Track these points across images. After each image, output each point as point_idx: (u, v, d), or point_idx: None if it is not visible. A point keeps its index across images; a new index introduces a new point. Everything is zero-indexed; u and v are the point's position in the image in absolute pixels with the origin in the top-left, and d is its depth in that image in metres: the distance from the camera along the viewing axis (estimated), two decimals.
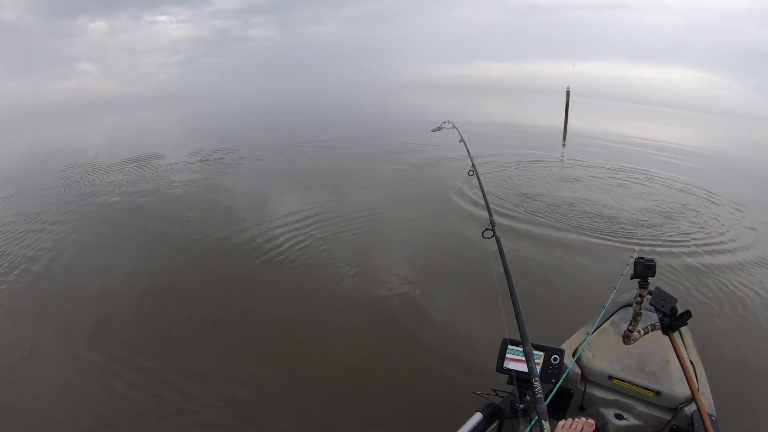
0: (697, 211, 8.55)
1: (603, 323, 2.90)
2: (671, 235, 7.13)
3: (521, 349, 1.99)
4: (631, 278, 2.17)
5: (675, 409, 2.34)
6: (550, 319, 4.34)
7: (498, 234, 2.54)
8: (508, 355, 2.07)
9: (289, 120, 29.52)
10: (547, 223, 7.58)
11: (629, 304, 3.06)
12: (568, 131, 19.97)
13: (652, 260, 2.09)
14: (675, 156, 15.83)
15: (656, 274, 2.09)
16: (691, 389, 1.99)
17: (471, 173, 4.15)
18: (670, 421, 2.33)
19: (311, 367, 4.07)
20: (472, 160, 4.33)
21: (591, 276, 5.63)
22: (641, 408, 2.42)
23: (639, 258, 2.12)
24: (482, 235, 2.61)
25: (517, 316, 1.90)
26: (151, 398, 3.70)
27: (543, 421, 1.46)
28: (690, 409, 2.28)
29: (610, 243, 6.77)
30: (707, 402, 2.29)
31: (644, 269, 2.10)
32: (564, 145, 17.63)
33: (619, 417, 2.45)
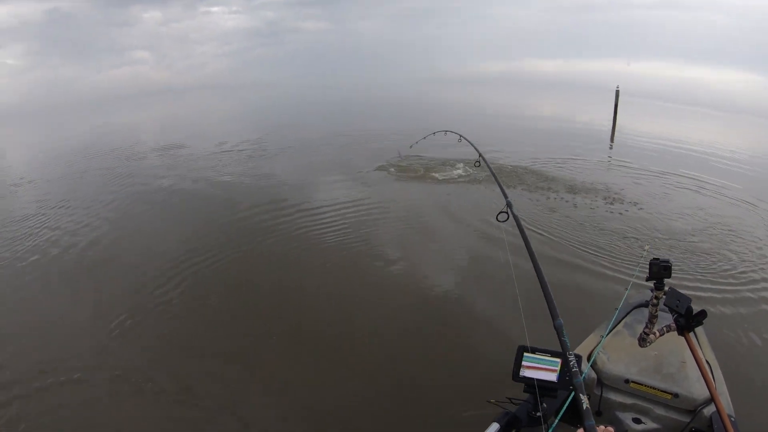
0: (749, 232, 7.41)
1: (616, 325, 2.86)
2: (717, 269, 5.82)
3: (537, 356, 2.01)
4: (647, 280, 2.13)
5: (693, 411, 2.31)
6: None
7: (515, 212, 2.50)
8: (524, 363, 2.04)
9: (338, 113, 30.12)
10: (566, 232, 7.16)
11: (641, 305, 3.03)
12: (616, 131, 19.22)
13: (668, 261, 2.05)
14: (730, 162, 14.75)
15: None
16: (709, 390, 1.99)
17: (478, 164, 4.17)
18: (689, 423, 2.29)
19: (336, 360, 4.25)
20: (478, 151, 4.26)
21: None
22: (659, 411, 2.39)
23: (654, 260, 2.07)
24: (496, 218, 2.59)
25: (546, 296, 1.89)
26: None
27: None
28: (709, 410, 2.24)
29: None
30: (726, 402, 2.25)
31: (660, 270, 2.06)
32: (611, 146, 16.99)
33: (636, 421, 2.41)
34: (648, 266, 2.10)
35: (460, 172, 11.21)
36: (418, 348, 4.38)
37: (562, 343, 1.69)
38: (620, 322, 2.91)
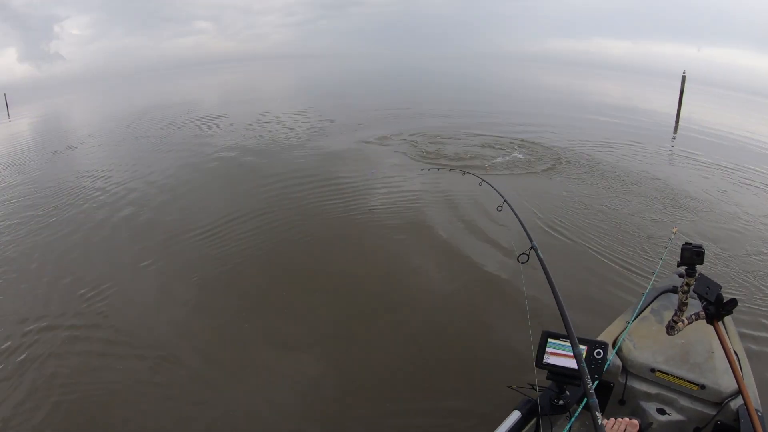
0: None
1: (643, 311, 2.78)
2: None
3: (562, 342, 1.98)
4: (678, 266, 2.03)
5: (720, 403, 2.23)
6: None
7: (540, 255, 2.36)
8: (548, 349, 2.00)
9: (402, 87, 30.62)
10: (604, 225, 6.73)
11: (669, 290, 2.92)
12: (681, 120, 18.04)
13: (701, 246, 1.93)
14: None
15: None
16: (738, 383, 1.91)
17: (500, 208, 3.70)
18: (714, 416, 2.22)
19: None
20: (502, 196, 3.81)
21: None
22: (684, 402, 2.32)
23: (686, 244, 1.96)
24: (518, 259, 2.47)
25: (560, 310, 1.81)
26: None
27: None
28: (735, 403, 2.16)
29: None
30: (753, 396, 2.17)
31: (692, 256, 1.94)
32: (675, 136, 15.99)
33: (661, 412, 2.35)
34: (680, 251, 1.99)
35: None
36: (446, 331, 4.39)
37: (580, 367, 1.50)
38: (647, 307, 2.82)
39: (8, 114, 32.84)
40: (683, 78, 18.09)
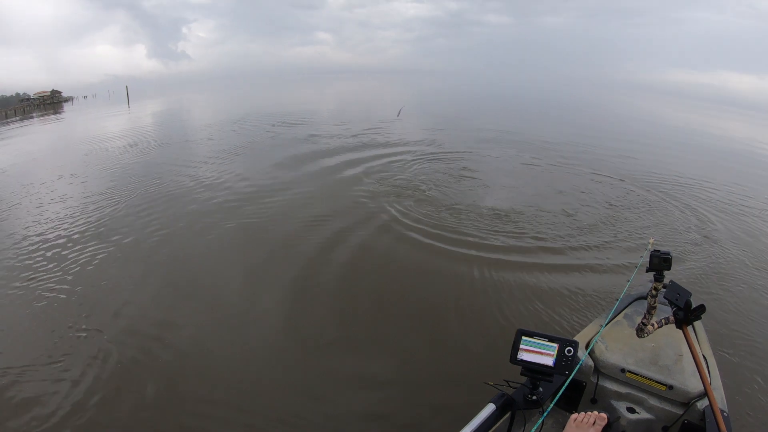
0: None
1: (616, 316, 2.88)
2: None
3: (536, 340, 2.07)
4: (647, 271, 2.17)
5: (687, 403, 2.33)
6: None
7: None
8: (522, 347, 2.09)
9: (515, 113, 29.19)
10: None
11: (643, 297, 3.03)
12: None
13: (668, 253, 2.09)
14: None
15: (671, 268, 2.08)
16: (704, 384, 2.01)
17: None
18: (681, 415, 2.32)
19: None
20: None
21: None
22: (653, 402, 2.42)
23: (655, 251, 2.12)
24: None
25: None
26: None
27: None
28: (702, 404, 2.25)
29: None
30: (719, 397, 2.26)
31: (660, 262, 2.11)
32: None
33: (630, 410, 2.45)
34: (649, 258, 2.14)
35: None
36: (424, 330, 4.55)
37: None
38: (620, 312, 2.93)
39: (128, 105, 38.15)
40: None
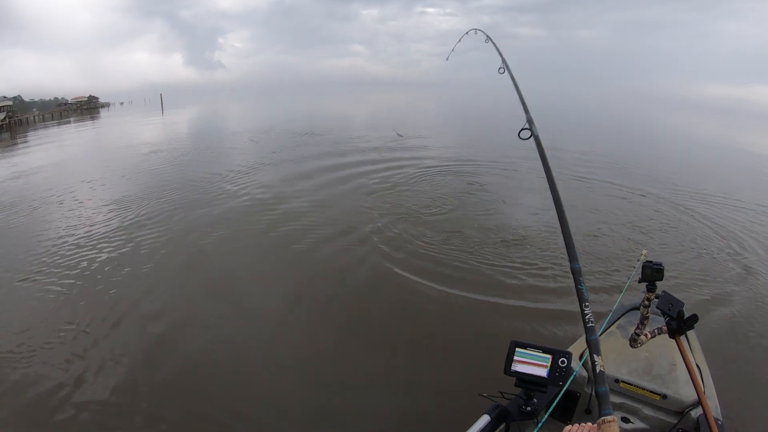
0: None
1: (610, 326, 2.87)
2: None
3: (530, 351, 2.09)
4: (639, 282, 2.17)
5: (681, 412, 2.32)
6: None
7: (536, 132, 2.21)
8: (516, 358, 2.10)
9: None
10: None
11: (636, 308, 3.00)
12: None
13: (660, 264, 2.08)
14: None
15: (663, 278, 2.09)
16: (697, 393, 2.01)
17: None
18: (676, 424, 2.31)
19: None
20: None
21: None
22: (648, 411, 2.41)
23: (647, 262, 2.11)
24: (518, 135, 2.22)
25: (564, 232, 1.74)
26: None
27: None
28: (696, 412, 2.24)
29: None
30: (713, 406, 2.25)
31: (652, 273, 2.10)
32: None
33: (625, 420, 2.44)
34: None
35: None
36: (415, 341, 4.54)
37: (578, 292, 1.58)
38: (614, 323, 2.92)
39: (162, 111, 39.87)
40: None
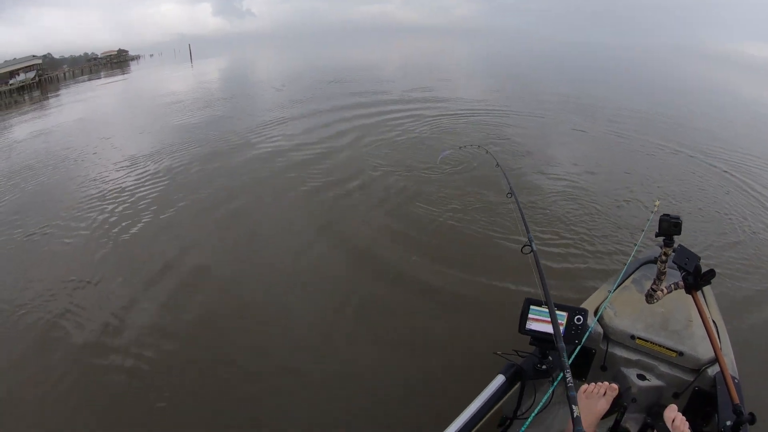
0: None
1: (624, 280, 2.78)
2: None
3: (544, 309, 2.02)
4: (656, 236, 2.08)
5: (697, 370, 2.26)
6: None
7: (535, 248, 2.34)
8: (530, 316, 2.05)
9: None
10: None
11: (650, 261, 2.89)
12: None
13: (678, 218, 1.98)
14: None
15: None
16: (714, 350, 1.97)
17: (509, 195, 3.36)
18: (692, 382, 2.25)
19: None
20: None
21: None
22: (664, 368, 2.35)
23: (665, 215, 2.02)
24: (521, 251, 2.38)
25: (540, 277, 1.88)
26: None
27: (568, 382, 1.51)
28: (713, 370, 2.18)
29: None
30: (730, 363, 2.18)
31: (670, 227, 2.01)
32: None
33: (641, 377, 2.38)
34: (658, 222, 2.05)
35: None
36: (429, 300, 4.42)
37: (555, 330, 1.71)
38: (629, 277, 2.82)
39: (191, 62, 39.99)
40: None
